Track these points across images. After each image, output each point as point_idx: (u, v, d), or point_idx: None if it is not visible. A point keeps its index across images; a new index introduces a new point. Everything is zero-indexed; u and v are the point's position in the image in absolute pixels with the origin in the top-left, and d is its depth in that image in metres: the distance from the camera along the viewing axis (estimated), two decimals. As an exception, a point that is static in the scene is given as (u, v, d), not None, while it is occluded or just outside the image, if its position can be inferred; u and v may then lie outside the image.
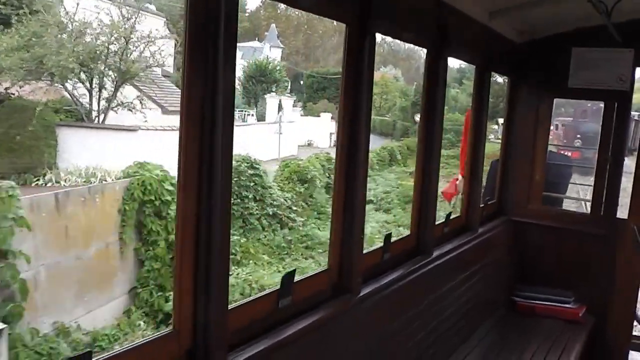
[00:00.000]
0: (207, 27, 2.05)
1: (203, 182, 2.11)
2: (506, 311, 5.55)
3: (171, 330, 2.13)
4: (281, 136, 33.20)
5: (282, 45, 58.61)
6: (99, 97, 20.91)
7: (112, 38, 20.32)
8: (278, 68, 45.15)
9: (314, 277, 3.07)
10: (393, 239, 3.70)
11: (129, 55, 20.91)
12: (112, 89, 20.80)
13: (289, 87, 47.56)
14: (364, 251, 3.29)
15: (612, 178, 5.32)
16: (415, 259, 3.92)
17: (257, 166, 17.13)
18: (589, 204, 5.89)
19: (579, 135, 29.25)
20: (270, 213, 16.76)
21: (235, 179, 14.46)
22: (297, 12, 77.53)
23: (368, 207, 16.33)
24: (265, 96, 40.83)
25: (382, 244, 3.60)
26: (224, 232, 2.16)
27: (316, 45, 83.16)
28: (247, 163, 16.85)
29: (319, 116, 43.65)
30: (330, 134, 42.03)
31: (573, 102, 27.76)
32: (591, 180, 5.79)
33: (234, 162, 11.56)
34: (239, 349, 2.36)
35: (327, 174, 20.94)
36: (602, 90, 5.20)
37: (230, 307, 2.29)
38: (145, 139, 20.46)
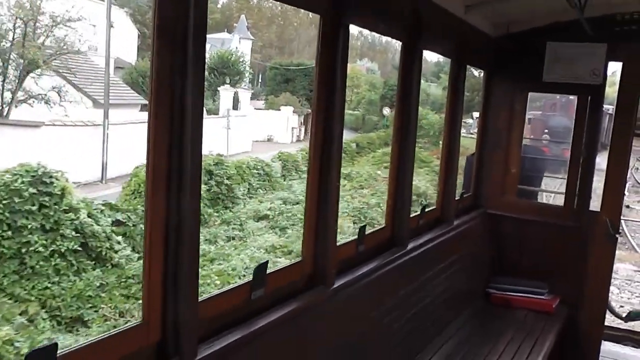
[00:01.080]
0: (177, 20, 2.03)
1: (172, 178, 2.09)
2: (481, 303, 5.60)
3: (140, 322, 2.12)
4: (230, 131, 30.90)
5: (252, 37, 56.77)
6: (2, 89, 19.11)
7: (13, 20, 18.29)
8: (242, 60, 43.74)
9: (287, 268, 3.07)
10: (368, 231, 3.71)
11: (37, 39, 19.14)
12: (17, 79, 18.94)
13: (248, 80, 46.13)
14: (338, 243, 3.30)
15: (585, 171, 5.39)
16: (390, 250, 3.94)
17: (50, 181, 11.29)
18: (557, 197, 5.97)
19: (546, 130, 28.86)
20: (73, 248, 10.87)
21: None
22: (270, 4, 76.46)
23: (258, 225, 15.80)
24: (219, 89, 38.90)
25: (356, 237, 3.61)
26: (194, 224, 2.15)
27: (291, 38, 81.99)
28: (32, 177, 11.07)
29: (279, 110, 41.58)
30: (292, 128, 40.35)
31: (543, 96, 27.63)
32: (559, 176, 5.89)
33: (7, 177, 10.21)
34: (210, 340, 2.35)
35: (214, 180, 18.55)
36: (575, 84, 5.26)
37: (201, 299, 2.28)
38: (53, 136, 18.70)
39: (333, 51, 2.98)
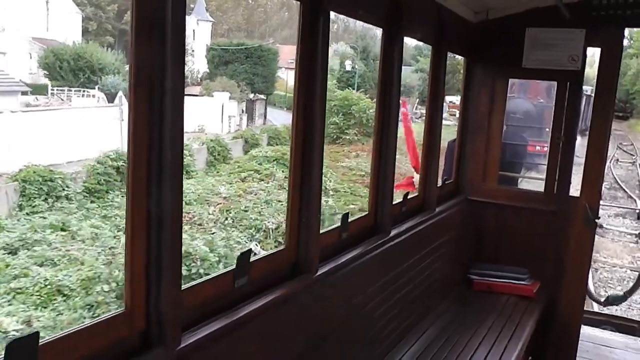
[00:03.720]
0: (155, 11, 2.00)
1: (152, 162, 2.07)
2: (463, 289, 5.64)
3: (123, 310, 2.09)
4: (124, 123, 26.18)
5: (211, 19, 54.37)
6: None
7: None
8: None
9: (270, 256, 3.06)
10: (351, 218, 3.71)
11: None
12: None
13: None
14: (321, 231, 3.29)
15: (565, 157, 5.44)
16: (373, 237, 3.94)
17: None
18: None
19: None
20: None
21: None
22: (237, -16, 72.48)
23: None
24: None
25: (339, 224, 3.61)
26: (176, 211, 2.12)
27: (260, 21, 79.95)
28: None
29: (211, 96, 37.64)
30: (230, 117, 36.13)
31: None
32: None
33: None
34: (194, 328, 2.33)
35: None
36: (555, 70, 5.29)
37: (184, 287, 2.26)
38: None
39: (313, 38, 2.95)
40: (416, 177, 6.25)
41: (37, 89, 36.48)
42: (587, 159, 5.33)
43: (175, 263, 2.14)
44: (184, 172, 21.31)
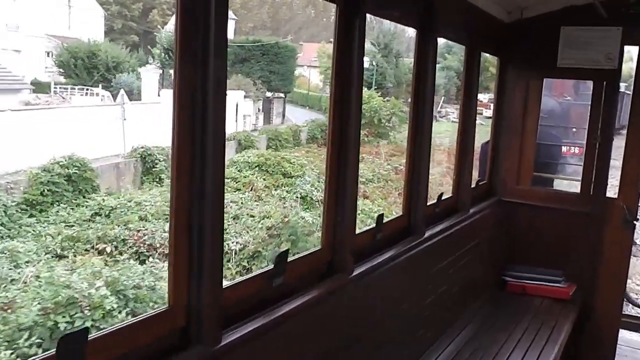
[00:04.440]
0: (197, 5, 2.04)
1: (195, 164, 2.11)
2: (497, 291, 5.59)
3: (166, 308, 2.13)
4: (127, 122, 25.16)
5: (235, 17, 54.41)
6: None
7: None
8: None
9: (307, 257, 3.07)
10: (385, 220, 3.71)
11: None
12: None
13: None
14: (357, 231, 3.30)
15: (601, 157, 5.35)
16: (407, 239, 3.94)
17: None
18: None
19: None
20: None
21: None
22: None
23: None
24: (140, 69, 35.11)
25: (374, 225, 3.61)
26: (217, 210, 2.15)
27: (285, 19, 78.48)
28: None
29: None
30: (245, 116, 35.69)
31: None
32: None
33: None
34: (233, 327, 2.36)
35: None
36: (590, 69, 5.21)
37: (224, 285, 2.29)
38: None
39: (349, 40, 2.96)
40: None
41: (40, 88, 35.13)
42: (625, 159, 5.24)
43: (216, 261, 2.17)
44: (157, 179, 19.47)
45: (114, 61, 38.44)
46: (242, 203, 17.19)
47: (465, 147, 4.92)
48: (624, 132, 5.39)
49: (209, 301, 2.17)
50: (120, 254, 13.54)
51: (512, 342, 4.60)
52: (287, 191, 19.29)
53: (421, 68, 3.91)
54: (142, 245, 13.89)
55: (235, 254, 14.01)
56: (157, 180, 21.42)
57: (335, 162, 3.05)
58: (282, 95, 43.72)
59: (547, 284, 5.52)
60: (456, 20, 4.39)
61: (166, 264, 12.02)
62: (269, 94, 41.66)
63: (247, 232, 14.75)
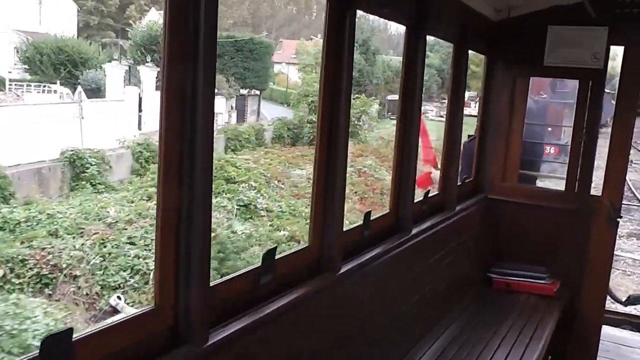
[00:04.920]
0: (187, 9, 2.03)
1: (184, 161, 2.09)
2: (483, 287, 5.63)
3: (153, 307, 2.11)
4: (86, 121, 23.93)
5: None
6: None
7: None
8: None
9: (294, 254, 3.06)
10: (373, 217, 3.71)
11: None
12: None
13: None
14: (344, 229, 3.29)
15: (586, 155, 5.40)
16: (395, 236, 3.94)
17: None
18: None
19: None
20: None
21: None
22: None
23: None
24: (104, 65, 32.54)
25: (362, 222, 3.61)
26: (206, 208, 2.14)
27: (267, 16, 78.13)
28: None
29: None
30: (216, 114, 34.99)
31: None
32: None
33: None
34: (221, 325, 2.34)
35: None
36: (577, 68, 5.25)
37: (212, 283, 2.28)
38: None
39: (340, 37, 2.95)
40: (434, 173, 6.21)
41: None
42: (609, 157, 5.29)
43: (204, 260, 2.16)
44: (87, 185, 17.74)
45: (81, 57, 36.60)
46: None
47: (452, 144, 4.93)
48: (603, 130, 5.45)
49: (197, 300, 2.16)
50: (18, 277, 11.62)
51: (497, 338, 4.63)
52: (228, 199, 16.94)
53: (410, 65, 3.91)
54: (44, 266, 11.96)
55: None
56: (91, 186, 19.51)
57: (324, 158, 3.04)
58: (257, 92, 42.83)
59: (532, 280, 5.56)
60: (446, 18, 4.39)
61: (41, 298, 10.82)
62: (243, 92, 40.83)
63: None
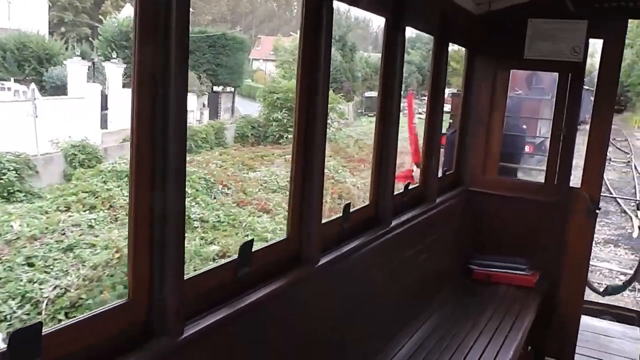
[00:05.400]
0: (158, 10, 2.01)
1: (157, 153, 2.07)
2: (463, 279, 5.66)
3: (126, 300, 2.10)
4: (37, 120, 22.20)
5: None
6: None
7: None
8: None
9: (272, 246, 3.06)
10: (352, 209, 3.71)
11: None
12: None
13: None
14: (323, 221, 3.29)
15: (566, 148, 5.44)
16: (374, 228, 3.95)
17: None
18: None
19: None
20: None
21: None
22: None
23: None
24: (65, 62, 30.64)
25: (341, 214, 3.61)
26: (179, 200, 2.12)
27: (246, 12, 77.32)
28: None
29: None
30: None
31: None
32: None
33: None
34: (196, 318, 2.34)
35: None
36: (556, 61, 5.28)
37: (186, 276, 2.27)
38: None
39: (317, 30, 2.93)
40: (416, 171, 6.21)
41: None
42: (588, 150, 5.34)
43: (178, 254, 2.15)
44: (4, 194, 15.99)
45: (47, 53, 34.98)
46: (90, 226, 12.91)
47: (432, 138, 4.95)
48: (582, 127, 5.50)
49: (171, 293, 2.15)
50: None
51: (477, 329, 4.67)
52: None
53: (389, 58, 3.91)
54: None
55: (49, 304, 9.97)
56: (7, 194, 17.46)
57: (302, 151, 3.03)
58: (230, 89, 41.59)
59: (511, 271, 5.61)
60: (426, 10, 4.39)
61: None
62: (217, 89, 39.81)
63: (80, 268, 10.84)
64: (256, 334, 2.71)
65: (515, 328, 4.73)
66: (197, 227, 14.19)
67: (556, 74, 5.53)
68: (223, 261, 2.69)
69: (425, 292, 4.90)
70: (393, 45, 3.88)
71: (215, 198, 16.79)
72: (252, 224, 14.84)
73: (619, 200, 18.19)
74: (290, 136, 24.26)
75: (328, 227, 3.41)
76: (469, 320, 4.81)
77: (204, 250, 12.75)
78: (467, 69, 5.66)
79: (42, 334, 1.73)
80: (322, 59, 2.96)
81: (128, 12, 43.12)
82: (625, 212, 17.18)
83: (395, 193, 4.21)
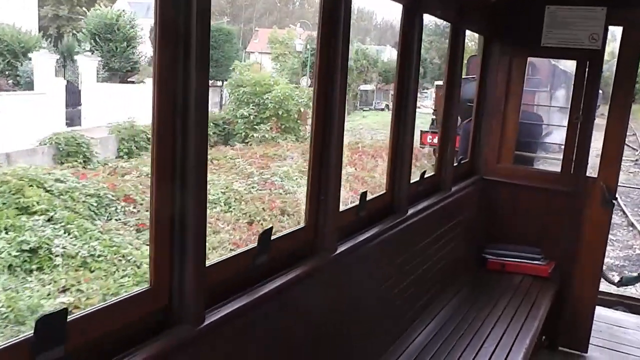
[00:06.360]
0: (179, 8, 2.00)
1: (177, 137, 2.06)
2: (477, 268, 5.65)
3: (148, 287, 2.10)
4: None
5: None
6: None
7: None
8: (132, 22, 34.39)
9: (290, 235, 3.06)
10: (369, 197, 3.70)
11: None
12: None
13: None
14: (340, 209, 3.29)
15: (583, 137, 5.39)
16: (390, 217, 3.94)
17: None
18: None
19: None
20: None
21: None
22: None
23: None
24: (30, 54, 28.53)
25: (357, 203, 3.60)
26: (200, 187, 2.12)
27: (246, 4, 76.81)
28: None
29: (143, 82, 30.80)
30: None
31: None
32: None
33: None
34: (216, 306, 2.34)
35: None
36: (574, 48, 5.21)
37: (207, 264, 2.27)
38: None
39: (335, 22, 2.91)
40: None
41: None
42: (606, 139, 5.28)
43: (199, 240, 2.15)
44: None
45: (22, 47, 32.58)
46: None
47: (448, 126, 4.91)
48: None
49: (192, 280, 2.15)
50: None
51: (492, 318, 4.66)
52: (8, 241, 9.66)
53: (406, 47, 3.88)
54: None
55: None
56: None
57: (320, 140, 3.02)
58: (218, 83, 38.86)
59: (526, 261, 5.59)
60: None
61: None
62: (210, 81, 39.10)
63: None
64: (274, 322, 2.72)
65: (531, 317, 4.71)
66: (59, 265, 9.73)
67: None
68: (244, 249, 2.69)
69: (441, 281, 4.89)
70: (410, 33, 3.85)
71: (109, 220, 11.98)
72: (141, 257, 9.88)
73: (625, 210, 14.62)
74: (256, 135, 24.61)
75: (345, 215, 3.41)
76: (484, 309, 4.80)
77: (47, 303, 8.31)
78: (483, 56, 5.61)
79: (67, 320, 1.74)
80: (340, 52, 2.93)
81: (121, 5, 42.33)
82: (633, 225, 13.45)
83: (411, 181, 4.20)
